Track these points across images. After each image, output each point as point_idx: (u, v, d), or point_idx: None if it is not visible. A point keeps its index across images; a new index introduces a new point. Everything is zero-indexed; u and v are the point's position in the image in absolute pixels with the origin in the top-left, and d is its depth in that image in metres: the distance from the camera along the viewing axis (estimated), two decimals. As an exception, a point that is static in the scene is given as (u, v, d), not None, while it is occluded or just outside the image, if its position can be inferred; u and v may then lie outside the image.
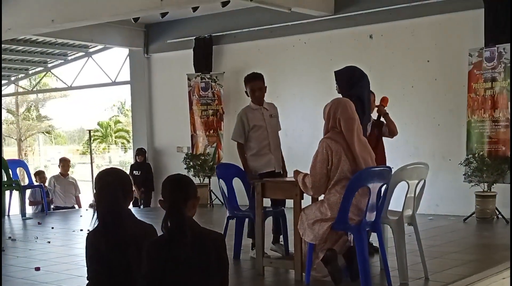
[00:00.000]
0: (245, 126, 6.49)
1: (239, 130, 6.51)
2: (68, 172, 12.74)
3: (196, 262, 3.02)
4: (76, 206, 12.52)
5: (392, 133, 6.74)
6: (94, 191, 3.40)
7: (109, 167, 3.74)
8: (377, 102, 6.85)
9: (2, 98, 16.51)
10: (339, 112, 5.09)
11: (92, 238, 3.30)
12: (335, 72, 6.31)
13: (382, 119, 6.79)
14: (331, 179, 5.04)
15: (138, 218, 3.42)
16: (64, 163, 12.65)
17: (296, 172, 5.39)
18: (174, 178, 3.18)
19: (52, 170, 22.22)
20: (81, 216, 11.15)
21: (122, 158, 35.49)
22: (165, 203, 3.10)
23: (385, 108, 6.79)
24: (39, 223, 9.97)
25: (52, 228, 9.47)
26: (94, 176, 13.70)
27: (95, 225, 3.32)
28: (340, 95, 6.03)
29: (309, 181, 5.08)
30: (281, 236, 6.56)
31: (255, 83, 6.52)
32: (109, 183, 3.31)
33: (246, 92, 6.59)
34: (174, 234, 3.01)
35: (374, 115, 6.78)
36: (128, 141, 33.92)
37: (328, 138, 5.08)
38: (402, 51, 10.08)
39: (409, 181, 5.35)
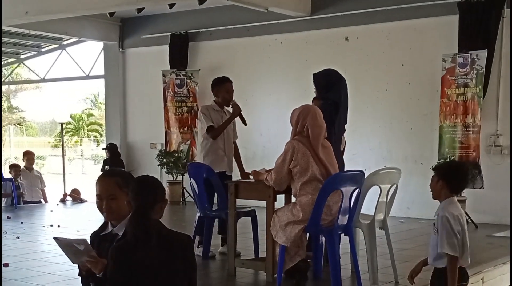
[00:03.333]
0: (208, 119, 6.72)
1: (208, 119, 6.70)
2: (33, 166, 12.19)
3: (163, 265, 2.99)
4: (42, 200, 12.10)
5: None
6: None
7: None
8: None
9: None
10: (308, 119, 5.22)
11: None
12: (313, 74, 6.33)
13: None
14: (301, 178, 5.10)
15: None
16: (29, 156, 12.12)
17: (255, 172, 5.62)
18: (142, 181, 3.10)
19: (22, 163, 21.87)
20: (51, 211, 11.03)
21: (94, 152, 35.15)
22: (132, 205, 3.04)
23: None
24: (8, 217, 9.84)
25: (22, 222, 9.37)
26: (66, 168, 13.62)
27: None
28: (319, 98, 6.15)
29: (271, 177, 5.26)
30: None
31: (229, 85, 6.82)
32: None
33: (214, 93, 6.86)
34: (139, 237, 2.97)
35: None
36: (101, 135, 33.58)
37: (295, 140, 5.21)
38: (377, 54, 10.14)
39: (381, 186, 5.41)
